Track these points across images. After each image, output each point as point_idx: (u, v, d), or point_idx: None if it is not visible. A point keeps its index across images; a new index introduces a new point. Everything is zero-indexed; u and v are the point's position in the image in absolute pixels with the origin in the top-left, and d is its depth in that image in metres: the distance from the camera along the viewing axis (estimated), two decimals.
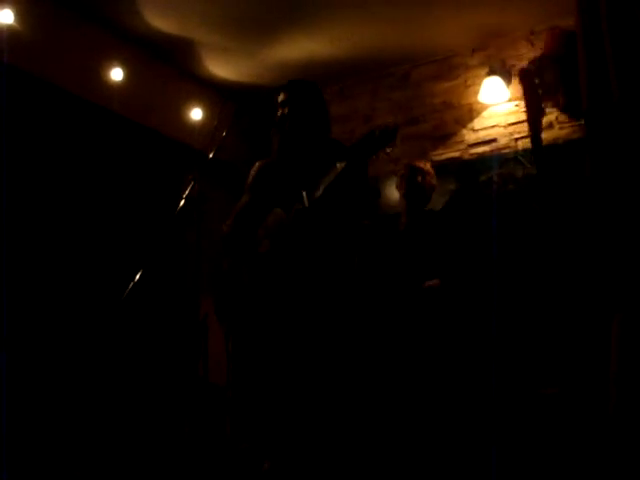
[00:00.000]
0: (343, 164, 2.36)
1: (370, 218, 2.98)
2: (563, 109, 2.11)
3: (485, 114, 4.47)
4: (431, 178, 3.75)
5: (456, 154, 4.54)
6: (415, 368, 3.25)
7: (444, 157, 4.56)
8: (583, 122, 1.83)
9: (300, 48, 4.49)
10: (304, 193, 2.41)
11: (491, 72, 4.32)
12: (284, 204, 2.49)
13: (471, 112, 4.53)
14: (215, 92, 4.98)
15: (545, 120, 4.04)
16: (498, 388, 3.35)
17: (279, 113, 2.65)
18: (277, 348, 2.44)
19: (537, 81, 1.85)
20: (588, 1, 1.53)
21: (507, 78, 4.32)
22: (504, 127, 4.37)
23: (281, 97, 2.65)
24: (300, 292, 2.41)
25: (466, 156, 4.50)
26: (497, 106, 4.40)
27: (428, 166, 3.81)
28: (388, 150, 2.37)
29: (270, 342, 2.45)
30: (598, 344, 1.74)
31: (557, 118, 4.09)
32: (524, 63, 1.79)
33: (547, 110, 4.01)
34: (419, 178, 3.69)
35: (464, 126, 4.55)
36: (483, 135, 4.46)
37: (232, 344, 2.69)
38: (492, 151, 4.38)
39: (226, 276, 2.62)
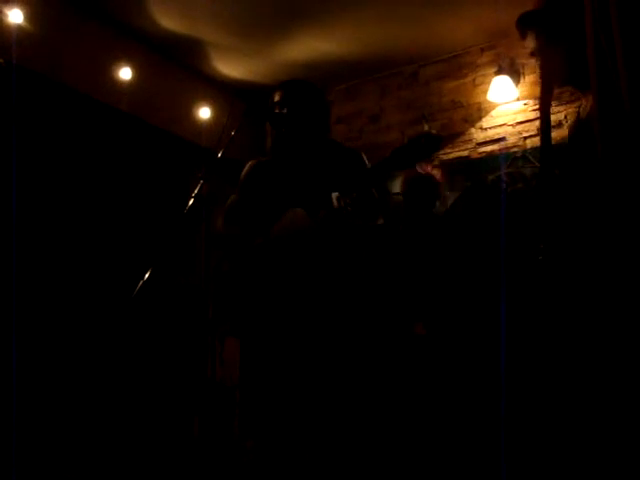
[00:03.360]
0: (378, 170, 2.32)
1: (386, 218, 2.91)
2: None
3: (494, 113, 4.47)
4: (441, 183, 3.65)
5: (464, 153, 4.54)
6: (418, 367, 3.25)
7: (452, 156, 4.56)
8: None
9: (308, 47, 4.50)
10: (334, 195, 2.37)
11: (500, 71, 4.32)
12: (303, 204, 2.41)
13: (480, 111, 4.53)
14: (224, 91, 4.99)
15: (553, 119, 4.04)
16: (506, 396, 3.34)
17: (276, 112, 2.59)
18: (293, 354, 2.38)
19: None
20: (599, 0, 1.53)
21: (516, 77, 4.32)
22: (512, 126, 4.36)
23: (277, 97, 2.60)
24: (325, 295, 2.35)
25: (475, 155, 4.50)
26: (506, 105, 4.39)
27: (439, 174, 3.71)
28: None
29: (285, 346, 2.40)
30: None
31: (566, 117, 4.08)
32: (533, 61, 1.76)
33: (555, 109, 4.08)
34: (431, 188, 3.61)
35: (473, 125, 4.55)
36: (492, 134, 4.46)
37: (240, 345, 2.66)
38: (501, 150, 4.37)
39: (228, 277, 2.55)
